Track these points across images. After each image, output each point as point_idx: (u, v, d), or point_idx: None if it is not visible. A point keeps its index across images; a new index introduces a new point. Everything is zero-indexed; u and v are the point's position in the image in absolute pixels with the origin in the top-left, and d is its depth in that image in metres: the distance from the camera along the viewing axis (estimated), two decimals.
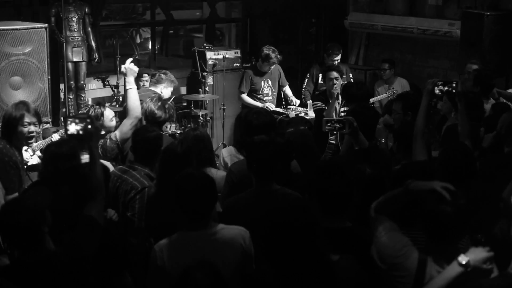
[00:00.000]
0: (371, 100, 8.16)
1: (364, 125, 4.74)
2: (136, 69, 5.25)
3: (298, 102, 8.45)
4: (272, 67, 8.26)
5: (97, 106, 5.19)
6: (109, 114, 5.20)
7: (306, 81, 8.62)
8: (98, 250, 3.26)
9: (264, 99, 8.29)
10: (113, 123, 5.23)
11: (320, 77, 8.26)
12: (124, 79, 5.24)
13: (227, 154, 5.24)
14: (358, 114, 4.82)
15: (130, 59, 5.34)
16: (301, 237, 3.08)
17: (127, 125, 5.09)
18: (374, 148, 4.95)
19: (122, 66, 5.27)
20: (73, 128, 3.62)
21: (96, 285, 3.21)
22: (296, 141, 5.02)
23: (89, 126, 3.60)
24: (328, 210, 3.42)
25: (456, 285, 2.86)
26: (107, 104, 8.32)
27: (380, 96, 8.43)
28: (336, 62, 8.30)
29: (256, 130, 4.74)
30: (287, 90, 8.62)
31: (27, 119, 4.71)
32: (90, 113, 5.02)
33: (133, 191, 4.29)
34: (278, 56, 8.15)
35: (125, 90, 5.25)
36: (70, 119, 3.65)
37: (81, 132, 3.61)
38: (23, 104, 4.86)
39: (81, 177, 3.71)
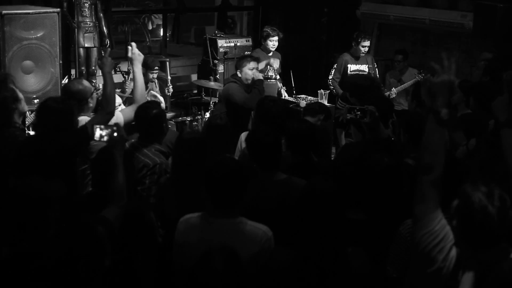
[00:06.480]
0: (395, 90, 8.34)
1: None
2: (141, 56, 5.28)
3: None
4: (275, 44, 8.16)
5: None
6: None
7: (333, 71, 8.51)
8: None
9: (268, 81, 8.04)
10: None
11: (350, 68, 8.29)
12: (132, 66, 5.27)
13: (245, 139, 5.27)
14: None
15: (134, 44, 5.32)
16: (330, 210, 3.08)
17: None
18: (390, 139, 4.90)
19: (129, 51, 5.27)
20: (97, 133, 3.64)
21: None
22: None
23: (115, 134, 3.64)
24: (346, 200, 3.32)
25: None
26: (117, 90, 8.37)
27: (405, 85, 8.46)
28: (367, 48, 8.38)
29: (273, 118, 4.82)
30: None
31: (19, 95, 4.64)
32: None
33: (145, 169, 4.35)
34: (280, 34, 8.14)
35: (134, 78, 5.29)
36: (97, 126, 3.68)
37: (105, 138, 3.64)
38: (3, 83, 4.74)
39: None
